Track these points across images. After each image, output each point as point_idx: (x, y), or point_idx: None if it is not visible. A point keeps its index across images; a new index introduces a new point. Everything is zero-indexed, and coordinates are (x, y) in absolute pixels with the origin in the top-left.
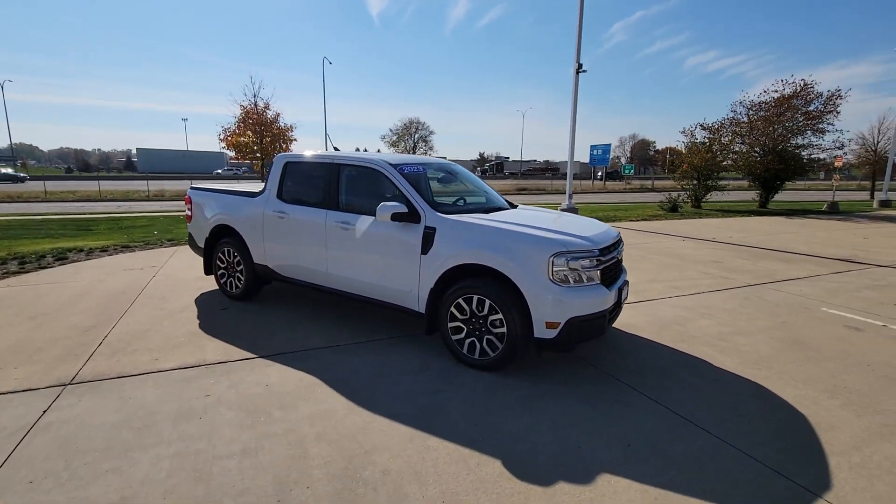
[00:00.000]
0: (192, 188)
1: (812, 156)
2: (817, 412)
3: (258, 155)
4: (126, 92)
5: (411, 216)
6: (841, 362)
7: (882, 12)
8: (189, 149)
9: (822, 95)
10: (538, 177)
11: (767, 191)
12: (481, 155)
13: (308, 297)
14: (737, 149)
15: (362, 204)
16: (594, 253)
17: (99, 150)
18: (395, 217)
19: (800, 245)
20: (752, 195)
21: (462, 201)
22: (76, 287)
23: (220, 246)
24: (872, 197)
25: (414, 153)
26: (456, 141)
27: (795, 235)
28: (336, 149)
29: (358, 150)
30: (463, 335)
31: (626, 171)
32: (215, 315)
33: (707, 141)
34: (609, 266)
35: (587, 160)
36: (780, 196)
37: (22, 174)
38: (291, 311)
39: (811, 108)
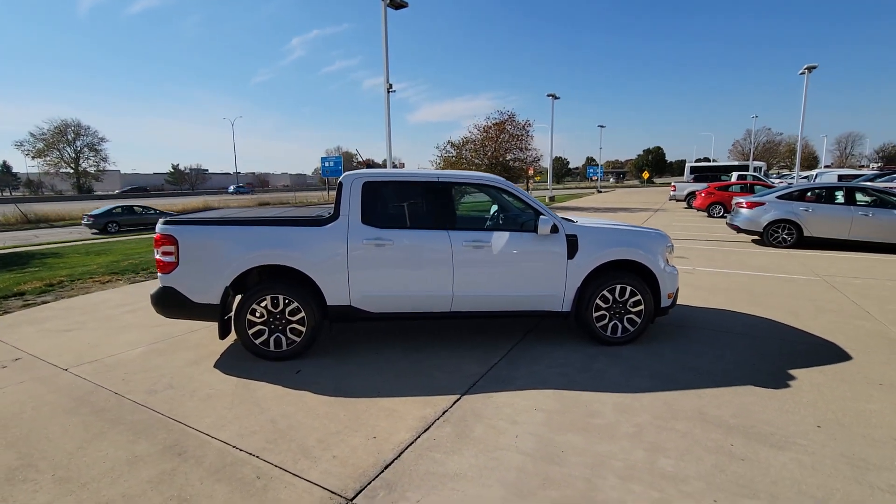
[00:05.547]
0: (170, 223)
1: (522, 167)
2: (814, 326)
3: None
4: None
5: (554, 227)
6: (763, 294)
7: (493, 64)
8: None
9: (520, 124)
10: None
11: None
12: (175, 167)
13: (361, 332)
14: (477, 161)
15: (488, 220)
16: (671, 242)
17: None
18: (553, 230)
19: None
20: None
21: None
22: None
23: (256, 295)
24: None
25: (77, 165)
26: (142, 151)
27: None
28: (370, 164)
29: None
30: (606, 320)
31: None
32: (300, 380)
33: (455, 155)
34: None
35: (301, 172)
36: None
37: None
38: (381, 350)
39: (516, 133)
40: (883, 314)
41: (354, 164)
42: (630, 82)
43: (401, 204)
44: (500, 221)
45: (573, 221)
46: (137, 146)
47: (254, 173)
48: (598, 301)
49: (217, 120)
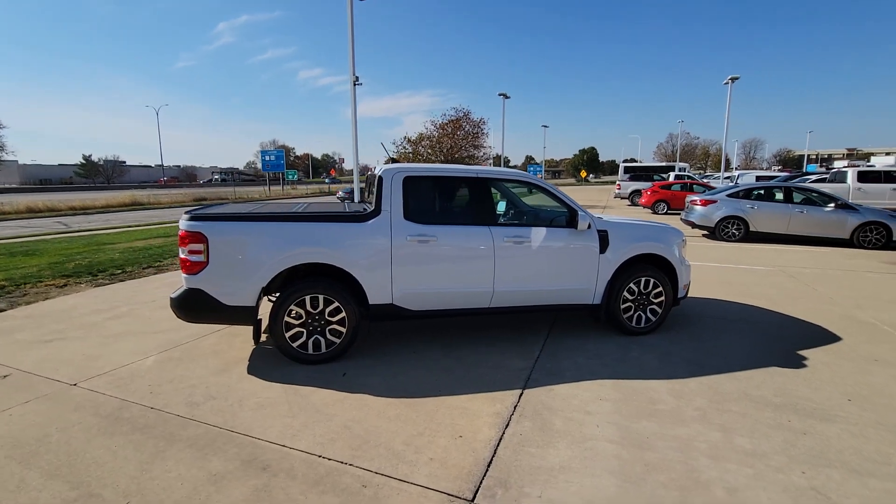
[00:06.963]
0: (198, 218)
1: (478, 164)
2: (796, 311)
3: None
4: None
5: (588, 224)
6: (737, 284)
7: (431, 63)
8: None
9: (475, 122)
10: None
11: None
12: (87, 158)
13: (392, 331)
14: (433, 157)
15: (524, 216)
16: (685, 236)
17: None
18: (590, 226)
19: None
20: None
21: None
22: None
23: (295, 295)
24: None
25: None
26: (48, 141)
27: None
28: (394, 160)
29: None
30: (631, 312)
31: (291, 177)
32: (349, 383)
33: (411, 152)
34: None
35: (232, 165)
36: None
37: None
38: (418, 349)
39: (472, 130)
40: (843, 299)
41: (386, 160)
42: (564, 83)
43: (441, 199)
44: (528, 217)
45: (601, 218)
46: (42, 136)
47: (179, 166)
48: (625, 294)
49: (136, 110)
